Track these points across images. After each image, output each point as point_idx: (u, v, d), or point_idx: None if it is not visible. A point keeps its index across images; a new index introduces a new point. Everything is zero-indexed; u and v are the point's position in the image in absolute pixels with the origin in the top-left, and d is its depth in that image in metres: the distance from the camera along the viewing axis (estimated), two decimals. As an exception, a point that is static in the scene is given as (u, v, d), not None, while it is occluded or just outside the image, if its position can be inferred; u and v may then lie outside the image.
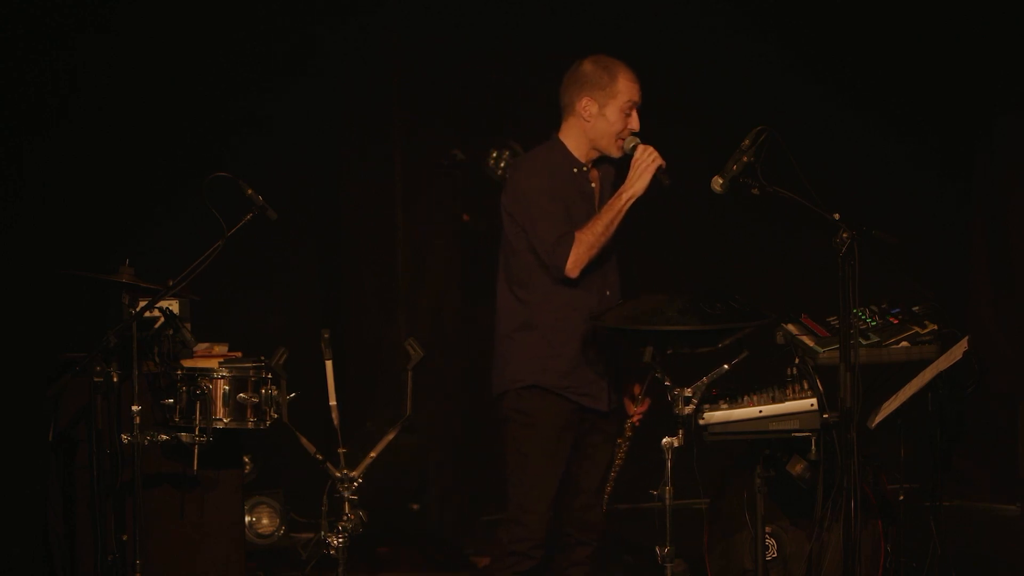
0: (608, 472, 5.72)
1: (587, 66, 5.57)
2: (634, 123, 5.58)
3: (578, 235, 5.45)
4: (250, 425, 5.93)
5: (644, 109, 7.93)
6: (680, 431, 5.43)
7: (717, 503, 6.05)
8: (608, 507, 5.78)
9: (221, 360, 6.03)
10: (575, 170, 5.57)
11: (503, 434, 5.59)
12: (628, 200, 5.47)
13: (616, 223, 5.47)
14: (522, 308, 5.54)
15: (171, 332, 5.88)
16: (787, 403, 5.57)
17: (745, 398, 5.59)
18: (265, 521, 7.29)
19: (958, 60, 8.06)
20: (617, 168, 5.68)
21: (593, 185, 5.61)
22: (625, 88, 5.56)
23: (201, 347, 6.23)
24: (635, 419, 5.71)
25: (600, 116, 5.55)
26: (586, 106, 5.54)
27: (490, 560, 5.68)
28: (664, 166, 5.49)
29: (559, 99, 5.61)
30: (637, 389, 5.70)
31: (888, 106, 8.10)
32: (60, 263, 6.47)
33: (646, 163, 5.48)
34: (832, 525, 5.55)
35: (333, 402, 5.70)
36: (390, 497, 7.57)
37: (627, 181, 5.50)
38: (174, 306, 5.95)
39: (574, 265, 5.45)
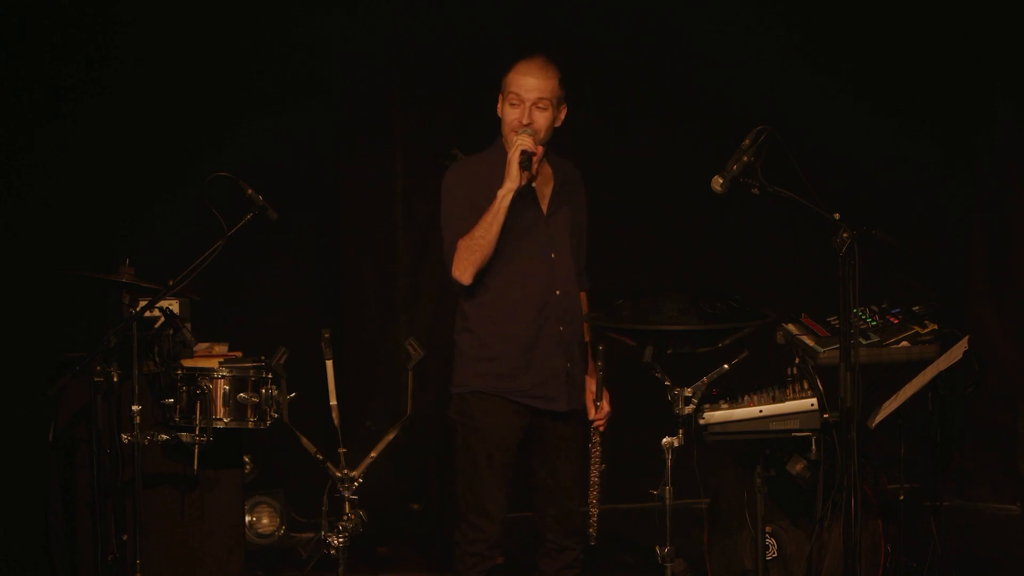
0: (581, 477, 5.66)
1: None
2: (523, 115, 5.41)
3: (459, 242, 5.39)
4: (250, 425, 5.94)
5: (645, 107, 8.00)
6: (680, 431, 5.43)
7: (717, 503, 6.05)
8: (600, 514, 5.76)
9: (221, 360, 6.03)
10: None
11: (452, 437, 5.57)
12: (502, 197, 5.34)
13: (496, 223, 5.34)
14: (461, 312, 5.52)
15: (171, 332, 5.89)
16: (787, 403, 5.58)
17: (745, 398, 5.60)
18: (265, 521, 7.29)
19: (958, 60, 8.06)
20: (580, 164, 5.65)
21: (534, 185, 5.49)
22: (511, 81, 5.44)
23: (201, 347, 6.24)
24: (596, 424, 5.64)
25: (502, 114, 5.49)
26: (499, 105, 5.50)
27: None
28: (529, 150, 5.33)
29: None
30: (593, 393, 5.62)
31: (888, 106, 8.10)
32: (60, 263, 6.48)
33: (511, 155, 5.37)
34: (832, 525, 5.55)
35: (334, 402, 5.69)
36: (390, 497, 7.57)
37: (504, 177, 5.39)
38: (174, 306, 5.96)
39: (460, 272, 5.39)
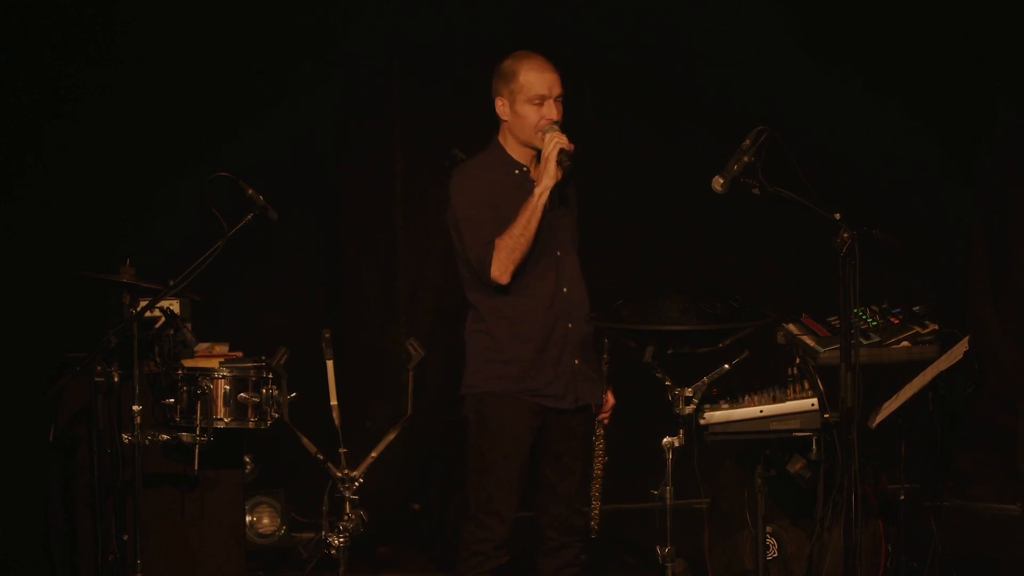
0: (587, 475, 5.68)
1: (503, 64, 5.50)
2: (549, 112, 5.43)
3: (497, 242, 5.37)
4: (251, 425, 5.93)
5: (645, 107, 8.00)
6: (680, 431, 5.43)
7: (717, 503, 6.05)
8: (602, 508, 5.77)
9: (222, 360, 6.03)
10: (516, 172, 5.49)
11: (463, 436, 5.56)
12: (540, 194, 5.35)
13: (534, 221, 5.35)
14: (475, 313, 5.51)
15: (172, 332, 5.89)
16: (788, 403, 5.58)
17: (746, 398, 5.60)
18: (266, 521, 7.29)
19: (959, 60, 8.07)
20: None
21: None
22: (528, 81, 5.43)
23: (202, 347, 6.24)
24: (601, 417, 5.67)
25: (514, 114, 5.45)
26: (501, 106, 5.48)
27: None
28: (567, 148, 5.36)
29: None
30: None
31: (889, 106, 8.11)
32: (60, 263, 6.47)
33: (547, 151, 5.37)
34: (832, 525, 5.55)
35: (334, 402, 5.69)
36: (390, 497, 7.57)
37: (539, 175, 5.40)
38: (175, 306, 5.95)
39: (500, 272, 5.38)
